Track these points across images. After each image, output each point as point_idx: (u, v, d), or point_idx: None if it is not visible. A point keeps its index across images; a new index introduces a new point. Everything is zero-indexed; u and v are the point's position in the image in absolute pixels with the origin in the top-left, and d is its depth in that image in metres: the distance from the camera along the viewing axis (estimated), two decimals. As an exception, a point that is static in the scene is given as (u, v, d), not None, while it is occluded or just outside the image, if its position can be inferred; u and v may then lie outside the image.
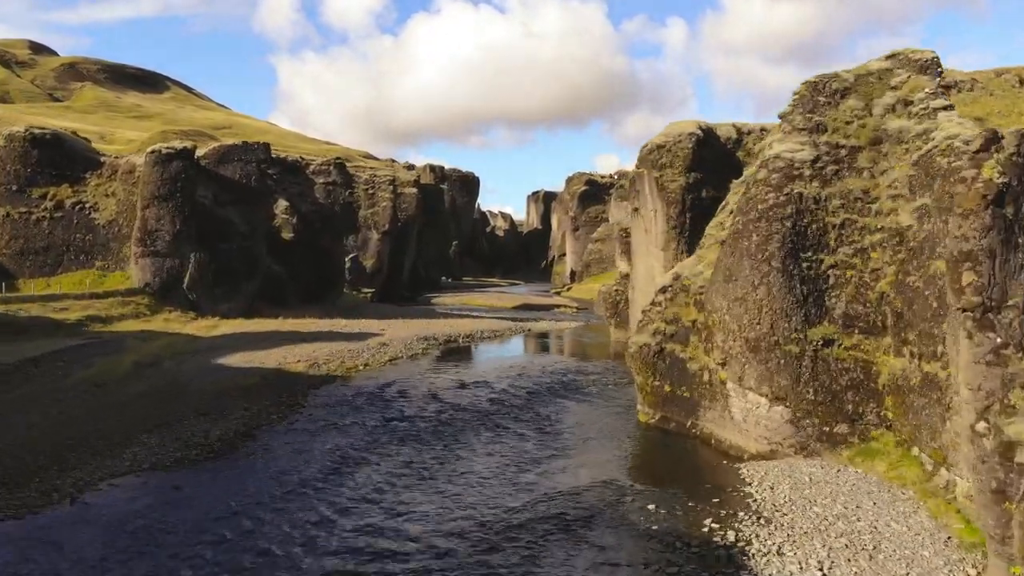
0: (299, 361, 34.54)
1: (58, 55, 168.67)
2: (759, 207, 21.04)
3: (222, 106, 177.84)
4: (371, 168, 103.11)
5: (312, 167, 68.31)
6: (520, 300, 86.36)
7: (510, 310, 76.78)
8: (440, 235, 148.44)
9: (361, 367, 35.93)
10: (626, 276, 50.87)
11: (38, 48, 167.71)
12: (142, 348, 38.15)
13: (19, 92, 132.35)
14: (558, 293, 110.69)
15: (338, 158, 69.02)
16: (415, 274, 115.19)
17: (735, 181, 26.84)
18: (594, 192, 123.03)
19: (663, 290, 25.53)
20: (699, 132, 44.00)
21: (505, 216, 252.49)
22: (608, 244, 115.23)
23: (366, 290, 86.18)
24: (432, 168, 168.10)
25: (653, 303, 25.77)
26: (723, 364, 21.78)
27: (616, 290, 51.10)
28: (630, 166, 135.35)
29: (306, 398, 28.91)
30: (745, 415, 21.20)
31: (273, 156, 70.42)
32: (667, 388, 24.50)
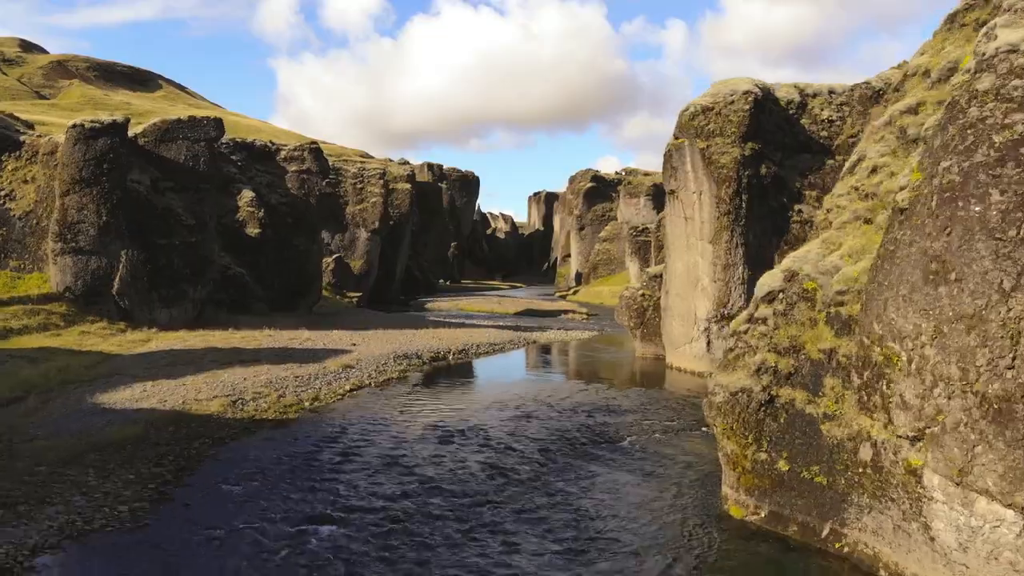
0: (216, 396, 23.86)
1: (48, 53, 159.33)
2: (1001, 139, 10.69)
3: (215, 104, 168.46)
4: (360, 161, 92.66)
5: (284, 153, 57.84)
6: (523, 305, 75.82)
7: (512, 316, 66.29)
8: (438, 236, 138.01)
9: (307, 403, 25.21)
10: (655, 277, 40.26)
11: (28, 46, 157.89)
12: (18, 374, 27.70)
13: (3, 90, 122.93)
14: (563, 297, 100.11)
15: (313, 142, 58.58)
16: (410, 277, 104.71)
17: (892, 109, 15.92)
18: (600, 189, 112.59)
19: (770, 298, 14.85)
20: (756, 91, 33.30)
21: (506, 218, 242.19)
22: (616, 244, 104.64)
23: (352, 294, 75.70)
24: (430, 167, 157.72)
25: (753, 320, 15.08)
26: (917, 439, 11.39)
27: (642, 294, 40.49)
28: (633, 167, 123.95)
29: (200, 464, 18.24)
30: (967, 541, 10.82)
31: (238, 140, 60.06)
32: (782, 465, 13.93)
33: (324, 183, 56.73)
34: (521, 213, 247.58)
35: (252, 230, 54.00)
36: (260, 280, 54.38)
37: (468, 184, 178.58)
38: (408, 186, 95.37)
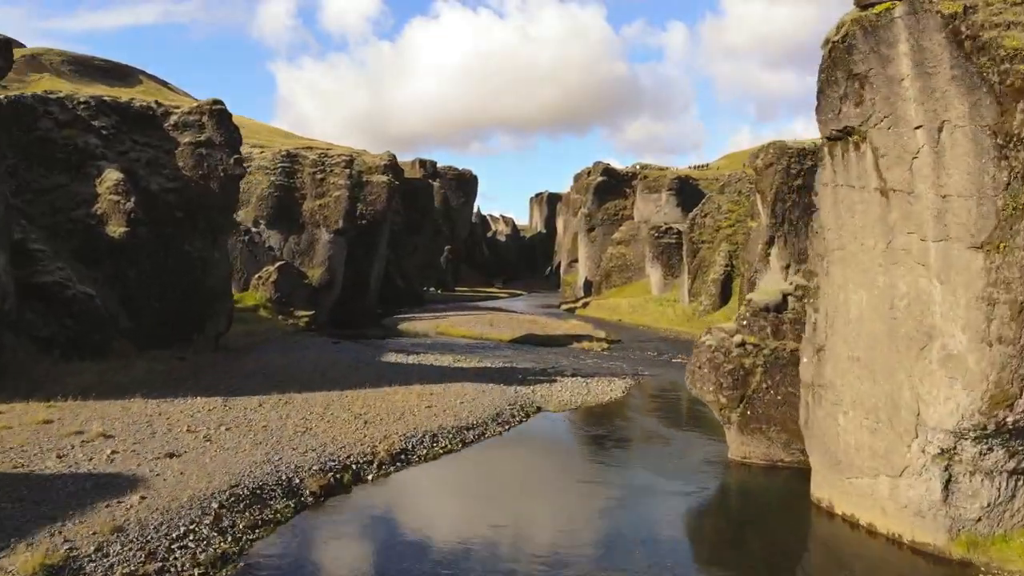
0: None
1: (24, 47, 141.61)
2: None
3: (188, 95, 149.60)
4: (323, 148, 73.13)
5: (175, 118, 38.43)
6: (522, 326, 56.18)
7: (506, 347, 46.81)
8: (429, 239, 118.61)
9: None
10: (771, 311, 20.52)
11: (3, 42, 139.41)
12: None
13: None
14: (571, 310, 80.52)
15: (217, 102, 39.23)
16: (390, 287, 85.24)
17: None
18: (613, 184, 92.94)
19: None
20: None
21: (507, 220, 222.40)
22: (633, 247, 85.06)
23: (301, 313, 56.32)
24: (422, 163, 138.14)
25: None
26: None
27: (743, 345, 20.69)
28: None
29: None
30: None
31: (107, 100, 40.71)
32: None
33: (233, 161, 37.47)
34: (522, 217, 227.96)
35: (116, 228, 34.69)
36: (128, 303, 35.05)
37: (465, 183, 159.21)
38: (385, 178, 75.88)
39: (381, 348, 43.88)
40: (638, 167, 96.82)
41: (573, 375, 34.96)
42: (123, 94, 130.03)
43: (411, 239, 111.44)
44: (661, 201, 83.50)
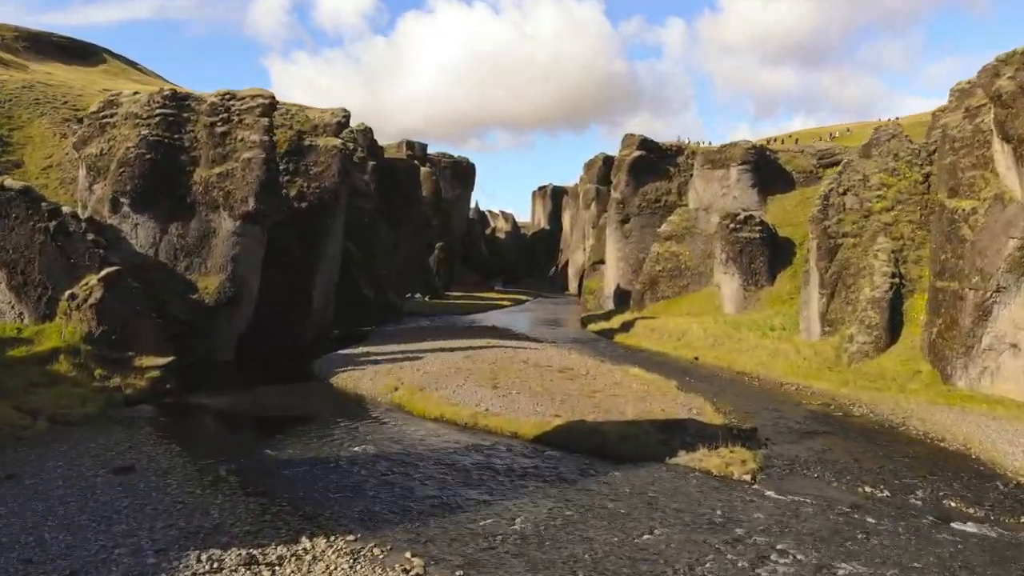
0: None
1: None
2: None
3: (159, 76, 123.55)
4: (225, 94, 45.89)
5: None
6: (549, 379, 29.39)
7: (529, 450, 19.93)
8: (414, 234, 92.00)
9: None
10: None
11: None
12: None
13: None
14: (606, 333, 54.04)
15: None
16: (353, 298, 58.81)
17: None
18: (653, 162, 66.29)
19: None
20: None
21: (507, 216, 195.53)
22: (690, 244, 58.28)
23: (149, 363, 29.72)
24: (409, 145, 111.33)
25: None
26: None
27: None
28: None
29: None
30: None
31: None
32: None
33: None
34: (523, 214, 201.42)
35: None
36: None
37: (461, 173, 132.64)
38: (336, 143, 49.10)
39: (222, 490, 17.18)
40: (686, 142, 70.25)
41: None
42: (78, 73, 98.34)
43: (391, 234, 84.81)
44: (729, 180, 56.85)
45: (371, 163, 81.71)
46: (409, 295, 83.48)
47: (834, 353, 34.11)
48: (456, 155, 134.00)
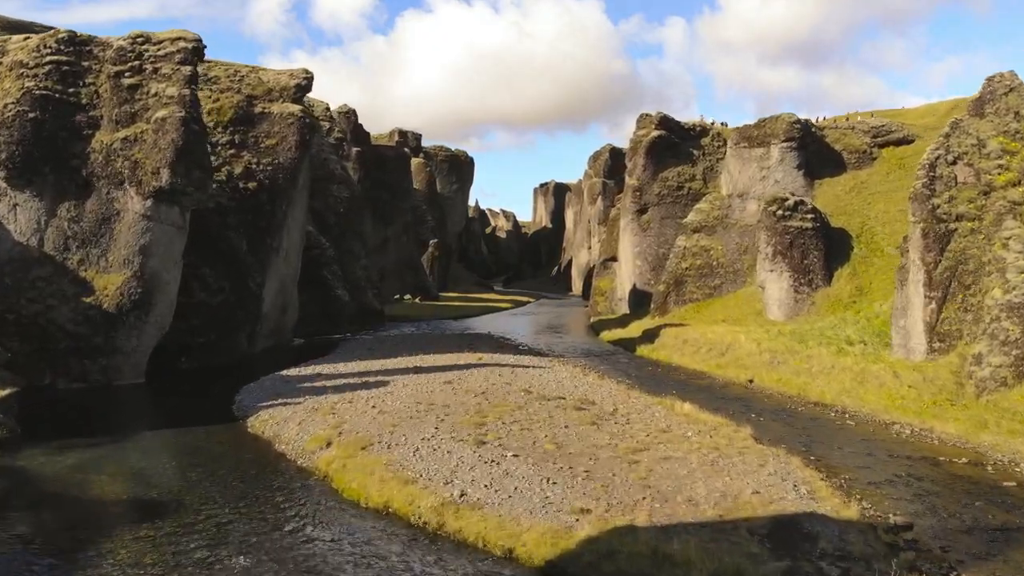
0: None
1: None
2: None
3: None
4: (137, 36, 35.76)
5: None
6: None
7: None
8: (404, 230, 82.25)
9: None
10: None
11: None
12: None
13: None
14: (623, 343, 44.25)
15: None
16: (326, 299, 49.02)
17: None
18: (674, 144, 56.43)
19: None
20: None
21: (507, 215, 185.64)
22: (724, 237, 47.95)
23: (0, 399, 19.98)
24: (402, 134, 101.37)
25: None
26: None
27: None
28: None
29: None
30: None
31: None
32: None
33: None
34: (524, 215, 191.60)
35: None
36: None
37: (459, 167, 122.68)
38: (295, 110, 39.28)
39: None
40: (710, 123, 60.42)
41: None
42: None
43: (378, 230, 75.06)
44: (770, 160, 46.93)
45: (355, 149, 71.96)
46: (397, 297, 73.70)
47: (953, 379, 24.21)
48: (453, 148, 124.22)
